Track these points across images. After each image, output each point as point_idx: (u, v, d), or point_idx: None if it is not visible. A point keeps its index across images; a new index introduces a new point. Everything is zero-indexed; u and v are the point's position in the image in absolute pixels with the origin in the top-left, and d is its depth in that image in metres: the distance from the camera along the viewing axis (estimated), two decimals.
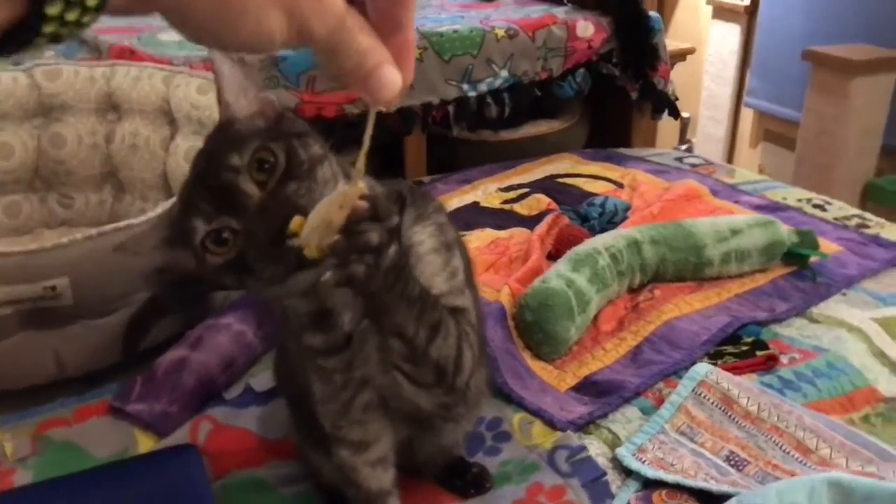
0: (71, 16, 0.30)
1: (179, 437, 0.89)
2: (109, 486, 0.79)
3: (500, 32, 1.64)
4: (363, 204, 0.49)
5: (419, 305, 0.57)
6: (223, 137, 0.54)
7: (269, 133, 0.53)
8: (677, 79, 1.93)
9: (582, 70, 1.75)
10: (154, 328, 1.00)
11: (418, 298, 0.57)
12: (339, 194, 0.48)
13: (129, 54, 1.34)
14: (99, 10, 0.31)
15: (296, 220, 0.49)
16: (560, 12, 1.75)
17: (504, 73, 1.65)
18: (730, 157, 3.28)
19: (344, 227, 0.48)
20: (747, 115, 3.16)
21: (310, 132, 0.55)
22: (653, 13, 1.82)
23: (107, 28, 1.49)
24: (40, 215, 1.28)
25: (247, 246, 0.51)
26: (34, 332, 0.91)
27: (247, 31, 0.35)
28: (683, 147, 3.13)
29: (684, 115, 3.08)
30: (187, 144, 1.19)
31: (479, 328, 0.68)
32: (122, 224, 0.90)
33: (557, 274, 1.06)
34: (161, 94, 1.22)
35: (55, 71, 1.24)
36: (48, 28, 0.30)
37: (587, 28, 1.73)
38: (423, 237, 0.62)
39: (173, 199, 0.95)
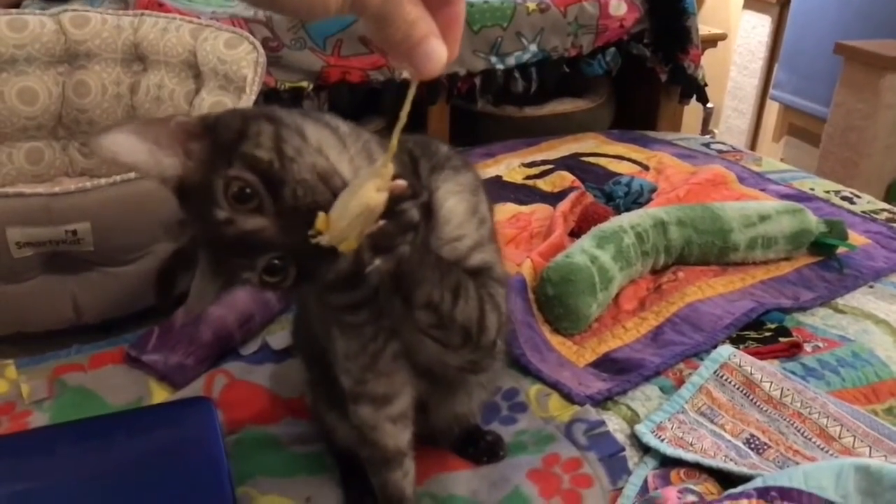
0: None
1: (194, 389, 0.88)
2: (123, 433, 0.79)
3: (532, 6, 1.61)
4: (402, 183, 0.47)
5: (439, 270, 0.56)
6: (192, 201, 0.51)
7: (218, 164, 0.49)
8: (704, 68, 1.90)
9: (612, 49, 1.73)
10: (183, 279, 0.99)
11: (437, 264, 0.56)
12: (368, 180, 0.45)
13: (156, 6, 1.33)
14: None
15: (321, 219, 0.46)
16: None
17: (533, 48, 1.63)
18: (752, 150, 3.24)
19: (387, 209, 0.46)
20: (772, 109, 3.12)
21: (246, 115, 0.51)
22: None
23: None
24: (61, 163, 1.27)
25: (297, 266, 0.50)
26: (54, 276, 0.90)
27: None
28: (706, 138, 3.09)
29: (708, 105, 3.05)
30: (212, 99, 1.17)
31: (505, 282, 0.67)
32: None
33: (581, 249, 1.05)
34: (188, 46, 1.20)
35: (83, 17, 1.23)
36: None
37: (620, 6, 1.70)
38: (439, 183, 0.60)
39: None
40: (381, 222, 0.47)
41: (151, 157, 0.50)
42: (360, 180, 0.46)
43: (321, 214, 0.46)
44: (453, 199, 0.60)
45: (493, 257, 0.63)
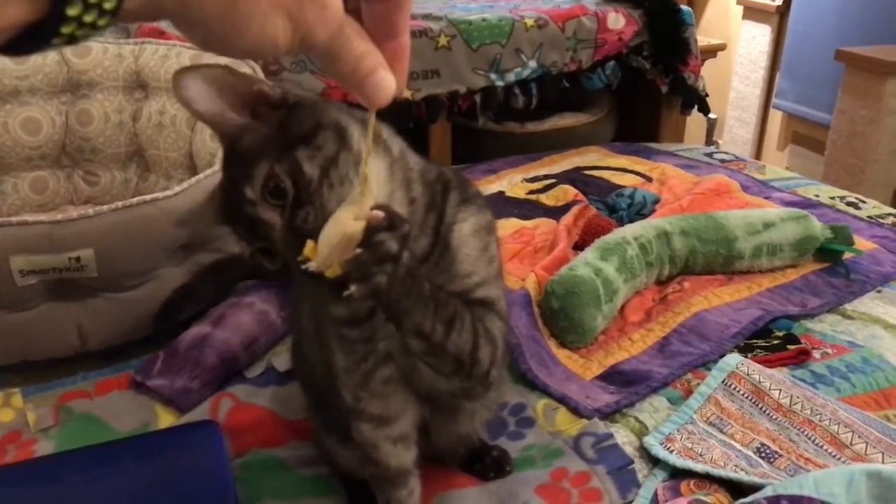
0: (88, 18, 0.31)
1: (200, 413, 0.88)
2: (130, 459, 0.79)
3: (530, 22, 1.62)
4: (379, 214, 0.48)
5: (433, 303, 0.56)
6: (234, 163, 0.54)
7: (275, 147, 0.51)
8: (705, 78, 1.91)
9: (612, 62, 1.73)
10: (187, 311, 0.99)
11: (431, 297, 0.56)
12: (348, 211, 0.47)
13: (157, 34, 1.34)
14: (115, 13, 0.32)
15: (309, 246, 0.48)
16: (591, 3, 1.73)
17: (532, 64, 1.64)
18: (757, 159, 3.24)
19: (363, 239, 0.48)
20: (775, 117, 3.12)
21: (321, 123, 0.53)
22: (684, 7, 1.79)
23: None
24: (66, 192, 1.28)
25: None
26: (58, 303, 0.91)
27: (252, 35, 0.36)
28: (710, 149, 3.09)
29: (711, 115, 3.05)
30: None
31: (507, 318, 0.67)
32: (147, 197, 0.90)
33: (585, 262, 1.04)
34: None
35: (84, 47, 1.24)
36: (66, 29, 0.31)
37: (618, 20, 1.70)
38: (466, 216, 0.61)
39: (200, 175, 0.95)
40: (358, 251, 0.48)
41: (220, 112, 0.53)
42: (344, 212, 0.48)
43: (309, 242, 0.48)
44: (471, 235, 0.61)
45: (497, 294, 0.64)
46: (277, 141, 0.52)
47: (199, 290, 1.00)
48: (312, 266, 0.48)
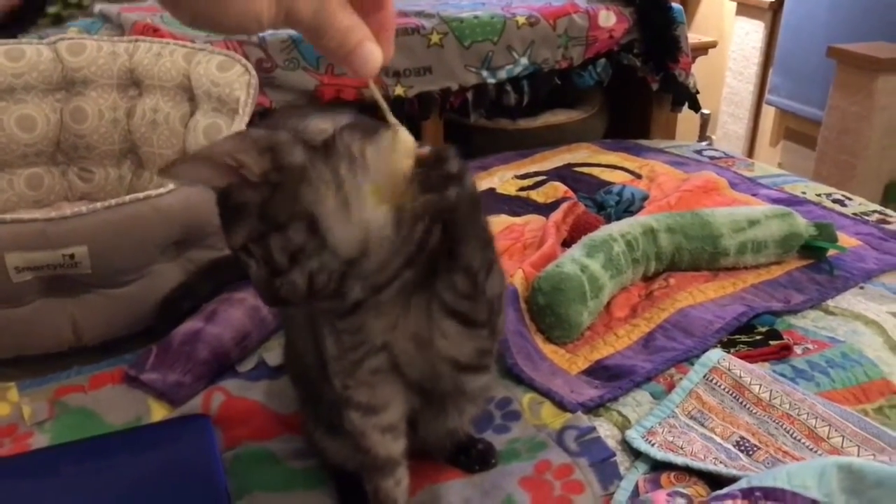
0: None
1: (192, 406, 0.90)
2: (123, 452, 0.81)
3: (522, 19, 1.63)
4: (425, 149, 0.51)
5: (483, 242, 0.59)
6: (223, 209, 0.56)
7: (254, 218, 0.53)
8: (698, 74, 1.92)
9: (603, 60, 1.75)
10: (186, 308, 1.01)
11: (482, 235, 0.59)
12: (389, 148, 0.50)
13: (151, 32, 1.35)
14: None
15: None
16: (582, 1, 1.74)
17: (524, 61, 1.65)
18: (750, 155, 3.26)
19: (417, 168, 0.51)
20: (768, 113, 3.13)
21: (295, 213, 0.53)
22: (675, 4, 1.81)
23: (130, 7, 1.50)
24: (61, 188, 1.29)
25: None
26: (53, 299, 0.92)
27: (236, 11, 0.37)
28: (703, 144, 3.11)
29: (704, 111, 3.06)
30: (206, 121, 1.19)
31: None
32: (140, 195, 0.91)
33: (571, 259, 1.06)
34: (182, 70, 1.23)
35: (79, 45, 1.25)
36: (53, 9, 0.32)
37: (609, 17, 1.72)
38: None
39: None
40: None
41: (208, 180, 0.55)
42: (383, 151, 0.51)
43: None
44: None
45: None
46: (257, 214, 0.53)
47: (198, 288, 1.02)
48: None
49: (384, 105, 0.48)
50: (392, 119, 0.49)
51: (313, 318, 0.68)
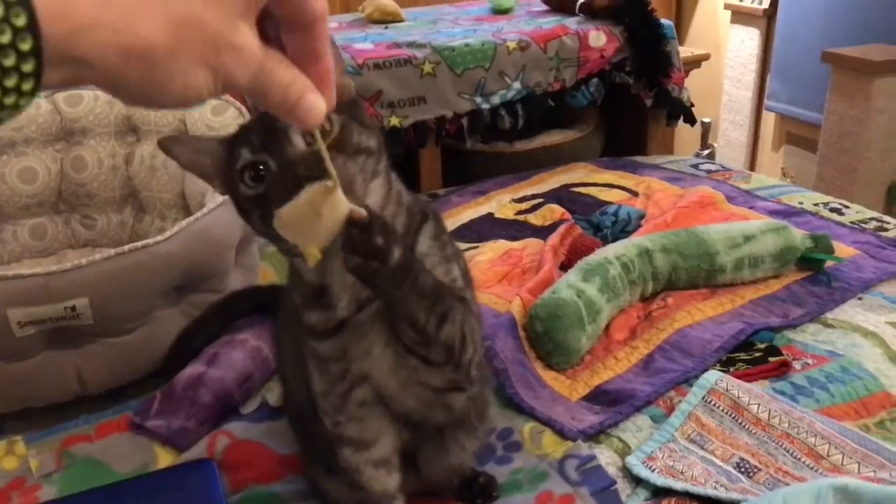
0: (9, 101, 0.33)
1: (198, 451, 0.91)
2: (130, 500, 0.82)
3: (512, 45, 1.65)
4: (362, 211, 0.53)
5: (431, 299, 0.60)
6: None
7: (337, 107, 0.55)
8: (697, 83, 1.93)
9: (595, 80, 1.76)
10: (198, 345, 1.02)
11: (430, 293, 0.60)
12: (313, 191, 0.51)
13: None
14: (34, 94, 0.34)
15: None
16: (572, 23, 1.76)
17: (517, 85, 1.67)
18: (752, 161, 3.26)
19: (347, 228, 0.52)
20: (769, 119, 3.14)
21: (375, 128, 0.59)
22: (665, 21, 1.82)
23: None
24: (64, 236, 1.32)
25: (270, 191, 0.56)
26: (56, 351, 0.94)
27: (175, 91, 0.38)
28: (706, 153, 3.12)
29: (705, 119, 3.07)
30: None
31: (480, 327, 0.71)
32: (138, 244, 0.93)
33: (567, 284, 1.07)
34: (178, 115, 1.25)
35: (76, 96, 1.28)
36: None
37: (599, 38, 1.73)
38: (426, 250, 0.66)
39: (190, 218, 0.98)
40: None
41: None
42: (310, 191, 0.51)
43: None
44: (433, 266, 0.65)
45: (466, 296, 0.68)
46: (338, 106, 0.54)
47: (207, 327, 1.04)
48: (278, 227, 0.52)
49: (327, 158, 0.50)
50: (332, 174, 0.50)
51: (301, 357, 0.70)
